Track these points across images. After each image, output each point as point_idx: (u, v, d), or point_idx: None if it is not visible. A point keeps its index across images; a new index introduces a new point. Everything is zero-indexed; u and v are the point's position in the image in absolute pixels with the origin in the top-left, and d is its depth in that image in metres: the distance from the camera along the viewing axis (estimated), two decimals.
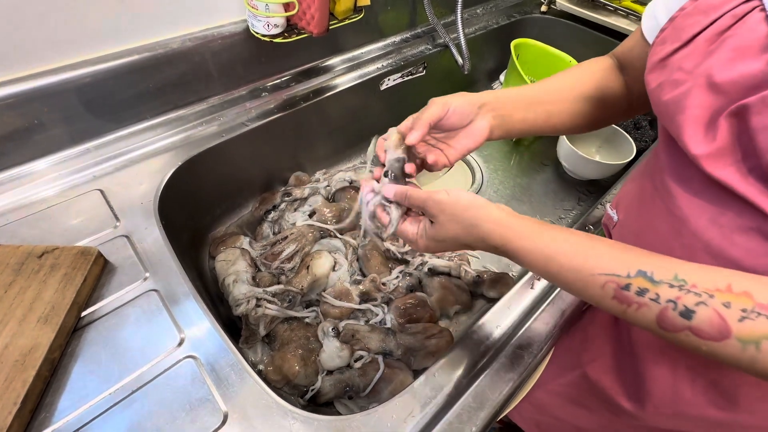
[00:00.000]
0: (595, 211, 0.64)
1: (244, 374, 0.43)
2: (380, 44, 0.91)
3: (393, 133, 0.47)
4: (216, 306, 0.65)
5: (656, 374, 0.48)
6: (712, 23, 0.34)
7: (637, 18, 1.00)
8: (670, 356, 0.46)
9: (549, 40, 1.02)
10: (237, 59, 0.71)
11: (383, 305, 0.66)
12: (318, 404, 0.57)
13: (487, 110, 0.49)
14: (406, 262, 0.73)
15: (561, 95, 0.52)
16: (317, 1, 0.60)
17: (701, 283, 0.30)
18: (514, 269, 0.79)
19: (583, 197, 0.94)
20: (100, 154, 0.62)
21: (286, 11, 0.63)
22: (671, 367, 0.46)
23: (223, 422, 0.40)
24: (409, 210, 0.45)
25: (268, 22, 0.63)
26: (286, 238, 0.71)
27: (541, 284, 0.55)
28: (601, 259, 0.34)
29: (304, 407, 0.43)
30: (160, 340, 0.45)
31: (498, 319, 0.51)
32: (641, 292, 0.31)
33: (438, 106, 0.47)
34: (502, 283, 0.72)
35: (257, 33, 0.65)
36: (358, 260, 0.72)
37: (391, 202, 0.44)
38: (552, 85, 0.53)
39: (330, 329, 0.60)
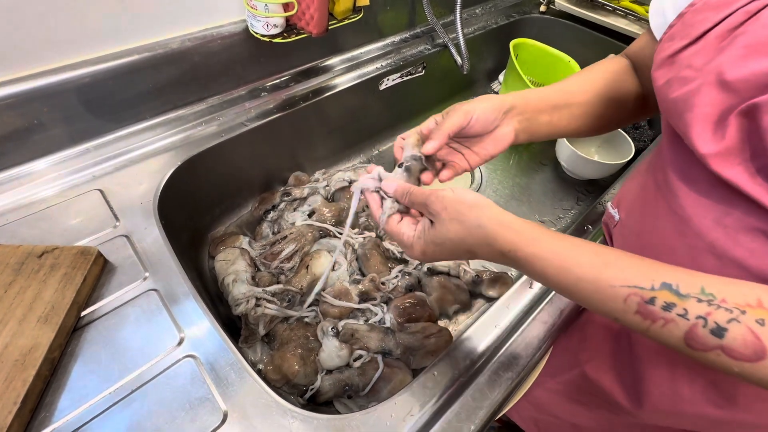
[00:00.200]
0: (594, 211, 0.64)
1: (243, 373, 0.44)
2: (379, 44, 0.91)
3: (413, 134, 0.45)
4: (215, 305, 0.65)
5: (655, 373, 0.48)
6: (723, 20, 0.33)
7: (636, 18, 1.00)
8: (668, 356, 0.46)
9: (548, 40, 1.03)
10: (236, 59, 0.71)
11: (382, 305, 0.66)
12: (317, 403, 0.58)
13: (513, 115, 0.47)
14: (405, 262, 0.73)
15: (580, 97, 0.50)
16: (316, 2, 0.60)
17: (731, 297, 0.28)
18: (513, 269, 0.79)
19: (582, 197, 0.94)
20: (99, 154, 0.62)
21: (285, 11, 0.63)
22: (670, 366, 0.46)
23: (223, 421, 0.40)
24: (408, 212, 0.43)
25: (267, 22, 0.63)
26: (285, 237, 0.71)
27: (540, 284, 0.55)
28: (621, 270, 0.31)
29: (303, 406, 0.43)
30: (159, 339, 0.45)
31: (497, 319, 0.51)
32: (668, 307, 0.29)
33: (460, 115, 0.44)
34: (501, 282, 0.72)
35: (256, 33, 0.65)
36: (357, 260, 0.73)
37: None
38: (570, 86, 0.51)
39: (329, 329, 0.60)
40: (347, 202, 0.79)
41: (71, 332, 0.45)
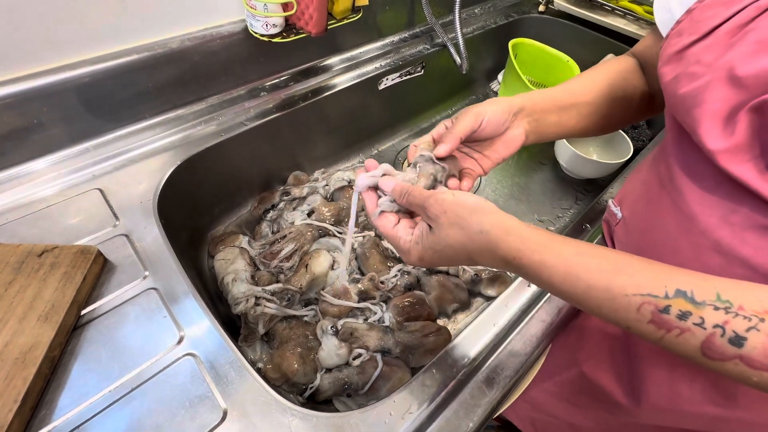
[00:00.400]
0: (593, 209, 0.64)
1: (243, 371, 0.44)
2: (378, 44, 0.91)
3: (425, 141, 0.45)
4: (215, 304, 0.66)
5: (654, 372, 0.48)
6: (733, 15, 0.33)
7: (635, 18, 1.00)
8: (668, 355, 0.46)
9: (547, 40, 1.03)
10: (236, 59, 0.71)
11: (382, 303, 0.67)
12: (317, 402, 0.58)
13: (522, 116, 0.47)
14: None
15: (587, 96, 0.50)
16: (315, 1, 0.60)
17: (748, 304, 0.26)
18: None
19: (581, 196, 0.94)
20: (99, 154, 0.62)
21: (284, 11, 0.63)
22: (669, 365, 0.46)
23: (223, 419, 0.41)
24: (410, 215, 0.42)
25: (266, 22, 0.63)
26: (284, 237, 0.72)
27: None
28: (632, 276, 0.29)
29: (302, 405, 0.43)
30: (159, 338, 0.45)
31: (495, 317, 0.51)
32: (683, 316, 0.27)
33: (471, 118, 0.43)
34: (499, 281, 0.72)
35: (256, 33, 0.65)
36: (356, 259, 0.73)
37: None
38: (576, 86, 0.51)
39: (329, 327, 0.60)
40: (346, 201, 0.79)
41: (71, 331, 0.45)
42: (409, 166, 0.44)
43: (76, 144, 0.62)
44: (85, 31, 0.57)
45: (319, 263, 0.67)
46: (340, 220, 0.76)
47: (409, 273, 0.71)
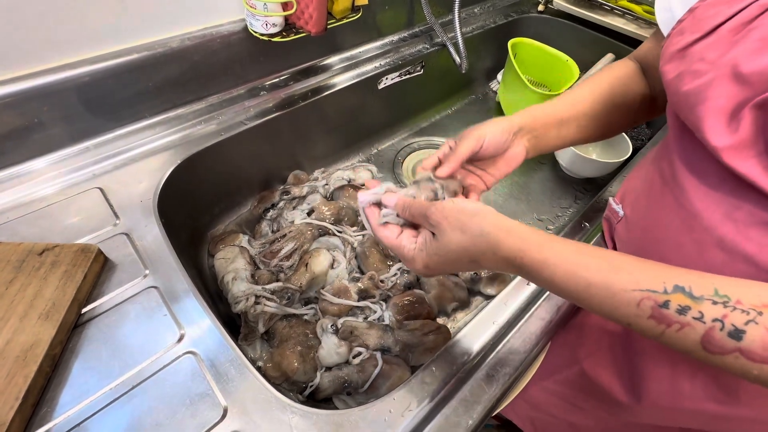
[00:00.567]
0: (592, 208, 0.64)
1: (243, 369, 0.44)
2: (378, 43, 0.91)
3: (431, 161, 0.47)
4: (215, 303, 0.66)
5: (655, 369, 0.48)
6: (736, 13, 0.33)
7: (634, 17, 1.01)
8: (669, 351, 0.46)
9: (546, 40, 1.03)
10: (235, 58, 0.71)
11: (381, 302, 0.67)
12: (317, 400, 0.58)
13: (522, 134, 0.48)
14: None
15: (587, 108, 0.51)
16: (315, 1, 0.61)
17: (746, 298, 0.27)
18: None
19: (580, 195, 0.94)
20: (99, 153, 0.62)
21: (284, 10, 0.63)
22: (671, 362, 0.46)
23: (223, 416, 0.41)
24: (412, 227, 0.42)
25: (266, 22, 0.64)
26: (284, 236, 0.72)
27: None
28: (632, 274, 0.30)
29: (302, 403, 0.43)
30: (160, 336, 0.46)
31: (494, 316, 0.51)
32: (682, 311, 0.28)
33: (472, 140, 0.45)
34: (498, 280, 0.72)
35: (256, 32, 0.66)
36: (356, 258, 0.73)
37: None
38: (576, 97, 0.52)
39: (329, 326, 0.60)
40: (346, 200, 0.79)
41: (72, 329, 0.45)
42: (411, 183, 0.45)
43: (77, 143, 0.62)
44: (85, 31, 0.57)
45: (319, 262, 0.67)
46: (339, 219, 0.76)
47: (408, 272, 0.71)
